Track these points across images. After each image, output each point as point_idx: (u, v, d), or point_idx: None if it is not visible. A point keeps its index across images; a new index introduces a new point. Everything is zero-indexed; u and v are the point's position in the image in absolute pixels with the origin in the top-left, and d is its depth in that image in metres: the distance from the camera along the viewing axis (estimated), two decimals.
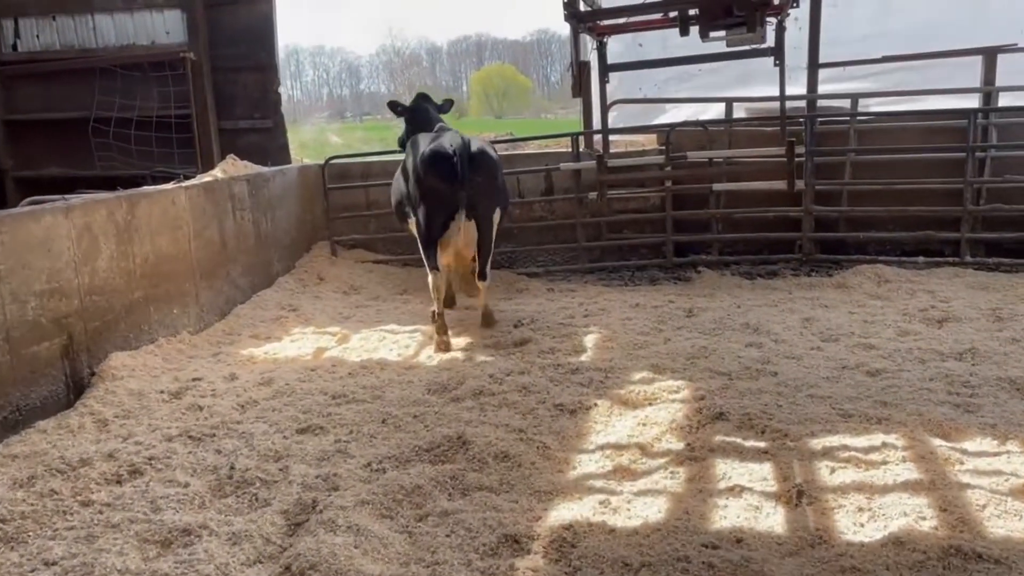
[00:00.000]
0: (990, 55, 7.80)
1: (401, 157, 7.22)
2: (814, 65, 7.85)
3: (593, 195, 7.93)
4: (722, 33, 6.78)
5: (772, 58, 6.99)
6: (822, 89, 8.03)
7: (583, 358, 5.73)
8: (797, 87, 7.88)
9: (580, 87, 8.36)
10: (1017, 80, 7.87)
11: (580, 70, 8.34)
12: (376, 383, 5.36)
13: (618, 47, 7.81)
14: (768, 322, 6.37)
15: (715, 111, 8.76)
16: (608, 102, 7.75)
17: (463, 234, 6.21)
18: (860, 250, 8.12)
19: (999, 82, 7.88)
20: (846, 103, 8.09)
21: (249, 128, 9.62)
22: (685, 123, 7.95)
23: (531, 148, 11.16)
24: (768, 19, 6.49)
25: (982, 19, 8.68)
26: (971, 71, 7.90)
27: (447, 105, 7.37)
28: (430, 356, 6.02)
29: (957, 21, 8.48)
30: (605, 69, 7.80)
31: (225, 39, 9.49)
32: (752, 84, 8.26)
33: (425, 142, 6.35)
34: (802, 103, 8.06)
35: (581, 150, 8.40)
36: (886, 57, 7.98)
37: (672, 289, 7.84)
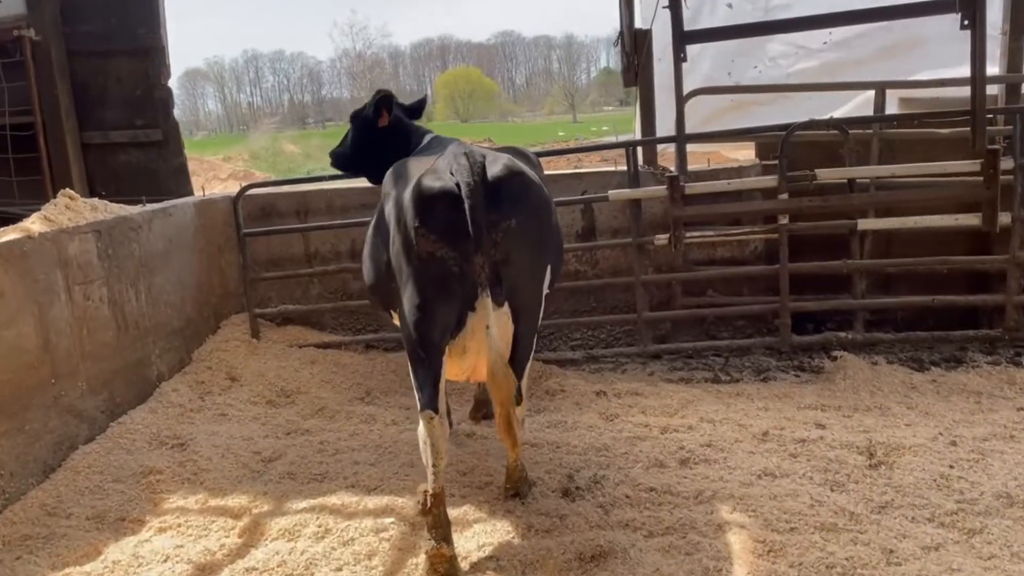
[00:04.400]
0: None
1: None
2: (1019, 29, 4.89)
3: (662, 238, 5.12)
4: None
5: (959, 16, 4.56)
6: None
7: None
8: (989, 64, 4.91)
9: (637, 70, 5.39)
10: None
11: (636, 42, 5.35)
12: None
13: (686, 14, 4.88)
14: None
15: (852, 104, 5.70)
16: (684, 93, 4.90)
17: (497, 332, 3.15)
18: None
19: None
20: None
21: (128, 142, 6.47)
22: (809, 123, 4.90)
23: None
24: None
25: None
26: None
27: (419, 107, 4.46)
28: None
29: None
30: (682, 38, 4.95)
31: (85, 9, 6.33)
32: (904, 62, 5.26)
33: (414, 170, 3.42)
34: (998, 89, 5.08)
35: (640, 168, 5.34)
36: None
37: (803, 393, 4.82)
